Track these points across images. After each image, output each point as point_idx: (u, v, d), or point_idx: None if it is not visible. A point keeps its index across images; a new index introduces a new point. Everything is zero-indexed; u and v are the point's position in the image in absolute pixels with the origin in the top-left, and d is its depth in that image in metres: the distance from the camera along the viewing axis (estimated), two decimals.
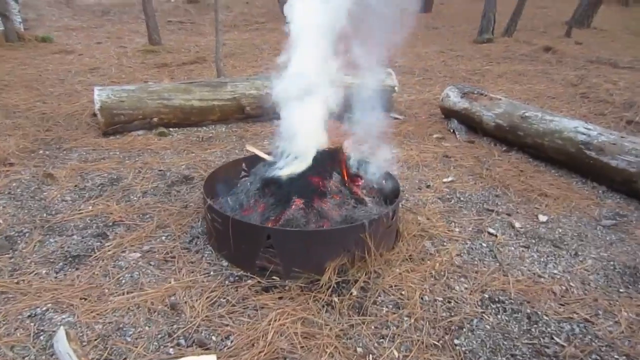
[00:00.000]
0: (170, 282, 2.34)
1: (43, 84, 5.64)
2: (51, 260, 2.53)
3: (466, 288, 2.37)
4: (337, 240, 2.37)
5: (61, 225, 2.88)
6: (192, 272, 2.42)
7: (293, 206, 2.49)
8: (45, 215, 2.99)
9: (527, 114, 4.10)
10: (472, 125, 4.65)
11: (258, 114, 4.76)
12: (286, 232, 2.35)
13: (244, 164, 3.16)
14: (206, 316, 2.11)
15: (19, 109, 4.84)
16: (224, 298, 2.23)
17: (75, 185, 3.39)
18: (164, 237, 2.76)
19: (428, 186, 3.55)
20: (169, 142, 4.28)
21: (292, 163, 2.78)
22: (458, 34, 10.53)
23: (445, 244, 2.77)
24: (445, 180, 3.65)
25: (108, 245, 2.66)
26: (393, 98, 5.32)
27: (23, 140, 4.11)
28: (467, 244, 2.79)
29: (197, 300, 2.20)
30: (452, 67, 7.46)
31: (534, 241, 2.84)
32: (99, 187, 3.37)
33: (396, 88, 5.26)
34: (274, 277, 2.36)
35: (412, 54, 8.22)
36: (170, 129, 4.54)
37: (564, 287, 2.41)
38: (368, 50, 3.58)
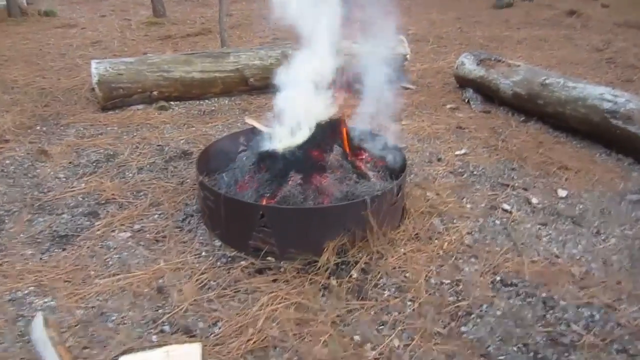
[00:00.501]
0: (159, 264, 2.21)
1: (43, 59, 5.50)
2: (38, 240, 2.42)
3: (476, 270, 2.19)
4: (337, 219, 2.19)
5: (52, 204, 2.76)
6: (183, 253, 2.28)
7: (290, 182, 2.31)
8: (36, 193, 2.88)
9: (547, 81, 3.81)
10: (488, 94, 4.37)
11: (262, 85, 4.55)
12: (281, 209, 2.18)
13: (242, 138, 2.99)
14: (194, 300, 1.98)
15: (18, 84, 4.72)
16: (215, 281, 2.10)
17: (70, 162, 3.27)
18: (156, 216, 2.62)
19: (439, 159, 3.33)
20: (169, 116, 4.12)
21: (290, 135, 2.59)
22: None
23: (455, 221, 2.58)
24: (457, 152, 3.43)
25: (98, 225, 2.54)
26: (405, 67, 5.04)
27: (20, 116, 3.99)
28: (479, 221, 2.59)
29: (185, 283, 2.07)
30: (468, 34, 7.08)
31: (552, 218, 2.63)
32: (94, 164, 3.25)
33: (408, 56, 4.98)
34: (268, 258, 2.21)
35: (426, 21, 7.83)
36: (171, 103, 4.37)
37: (583, 269, 2.21)
38: (378, 17, 3.33)
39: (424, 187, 2.91)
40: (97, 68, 4.11)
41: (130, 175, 3.10)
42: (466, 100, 4.43)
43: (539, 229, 2.52)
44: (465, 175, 3.10)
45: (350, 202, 2.24)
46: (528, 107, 3.97)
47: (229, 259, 2.24)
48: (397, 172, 2.63)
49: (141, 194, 2.87)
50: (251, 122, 3.03)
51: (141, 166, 3.21)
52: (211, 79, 4.44)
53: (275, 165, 2.42)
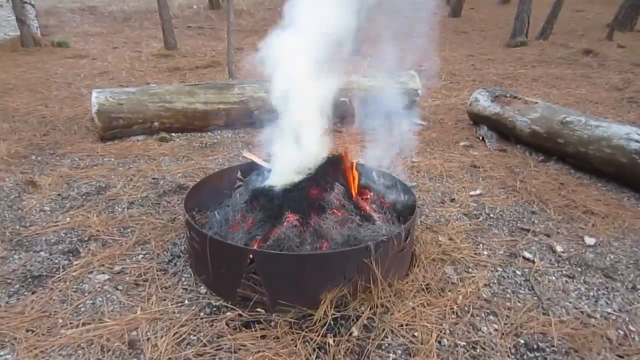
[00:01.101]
0: (135, 312, 1.96)
1: (49, 88, 5.44)
2: (8, 280, 2.19)
3: (496, 330, 1.90)
4: (336, 266, 1.94)
5: (32, 239, 2.56)
6: (164, 300, 2.04)
7: (285, 223, 2.08)
8: (17, 227, 2.68)
9: (568, 119, 3.58)
10: (504, 131, 4.15)
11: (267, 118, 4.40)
12: (271, 255, 1.93)
13: (239, 172, 2.78)
14: (169, 359, 1.71)
15: (19, 112, 4.63)
16: (195, 335, 1.84)
17: (59, 194, 3.08)
18: (140, 256, 2.39)
19: (452, 200, 3.08)
20: (169, 148, 3.96)
21: (289, 171, 2.38)
22: (489, 37, 9.96)
23: (470, 270, 2.30)
24: (472, 193, 3.18)
25: (76, 264, 2.31)
26: (416, 102, 4.87)
27: (16, 145, 3.86)
28: (497, 271, 2.31)
29: (161, 337, 1.81)
30: (481, 71, 6.94)
31: (580, 269, 2.34)
32: (83, 197, 3.06)
33: (419, 91, 4.81)
34: (258, 310, 1.95)
35: (439, 58, 7.72)
36: (173, 134, 4.23)
37: (621, 332, 1.91)
38: (390, 52, 3.19)
39: (436, 231, 2.65)
40: (97, 97, 3.99)
41: (120, 209, 2.89)
42: (481, 138, 4.21)
43: (566, 281, 2.24)
44: (481, 218, 2.85)
45: (352, 247, 1.99)
46: (547, 146, 3.74)
47: (214, 308, 1.98)
48: (405, 213, 2.39)
49: (128, 230, 2.65)
50: (250, 156, 2.83)
51: (132, 200, 3.01)
52: (214, 111, 4.30)
53: (269, 204, 2.19)
